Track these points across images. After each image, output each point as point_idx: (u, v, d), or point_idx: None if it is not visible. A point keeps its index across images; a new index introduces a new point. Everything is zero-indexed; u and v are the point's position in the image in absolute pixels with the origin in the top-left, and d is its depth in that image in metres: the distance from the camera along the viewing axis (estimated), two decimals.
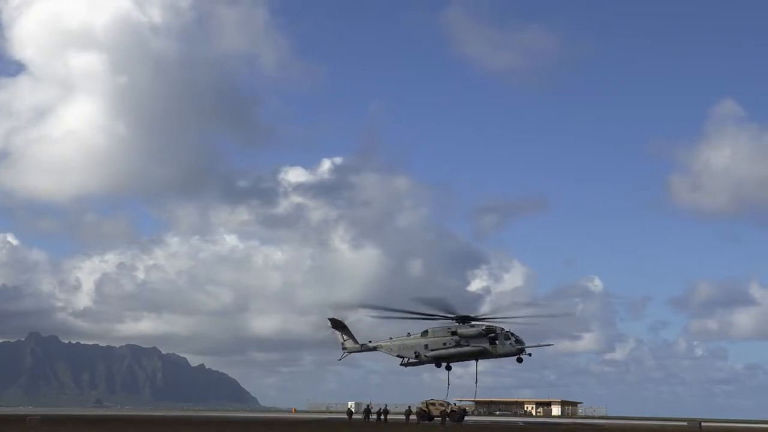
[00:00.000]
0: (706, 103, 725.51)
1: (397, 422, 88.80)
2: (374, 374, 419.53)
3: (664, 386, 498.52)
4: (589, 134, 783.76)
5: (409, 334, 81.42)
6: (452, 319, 78.05)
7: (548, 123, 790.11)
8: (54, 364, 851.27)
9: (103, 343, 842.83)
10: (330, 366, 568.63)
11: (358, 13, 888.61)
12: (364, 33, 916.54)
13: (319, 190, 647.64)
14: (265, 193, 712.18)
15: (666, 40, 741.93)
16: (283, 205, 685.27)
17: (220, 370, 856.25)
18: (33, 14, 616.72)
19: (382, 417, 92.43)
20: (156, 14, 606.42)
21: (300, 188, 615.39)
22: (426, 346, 79.59)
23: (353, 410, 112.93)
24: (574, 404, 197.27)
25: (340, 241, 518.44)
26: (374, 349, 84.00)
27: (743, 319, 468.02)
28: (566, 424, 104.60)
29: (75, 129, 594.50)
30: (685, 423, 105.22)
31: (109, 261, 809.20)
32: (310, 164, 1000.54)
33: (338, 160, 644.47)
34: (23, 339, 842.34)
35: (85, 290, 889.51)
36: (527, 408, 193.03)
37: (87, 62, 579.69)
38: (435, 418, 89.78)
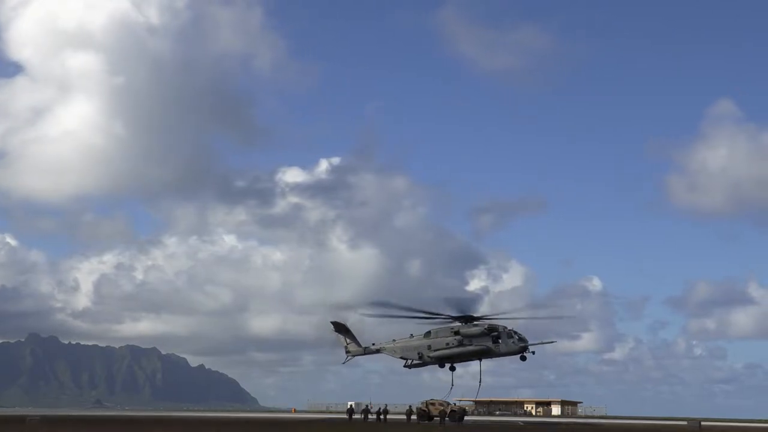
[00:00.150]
0: (703, 103, 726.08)
1: (397, 422, 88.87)
2: (374, 374, 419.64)
3: (664, 386, 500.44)
4: (588, 134, 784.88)
5: (411, 336, 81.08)
6: (454, 318, 77.97)
7: (547, 123, 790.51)
8: (54, 365, 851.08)
9: (102, 344, 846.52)
10: (330, 366, 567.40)
11: (353, 13, 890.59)
12: (360, 33, 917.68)
13: (316, 190, 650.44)
14: (263, 193, 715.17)
15: (664, 40, 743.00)
16: (281, 206, 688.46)
17: (220, 371, 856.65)
18: (30, 15, 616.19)
19: (382, 417, 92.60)
20: (153, 15, 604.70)
21: (297, 188, 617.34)
22: (429, 347, 79.16)
23: (354, 409, 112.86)
24: (574, 404, 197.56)
25: (338, 242, 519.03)
26: (377, 351, 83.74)
27: (742, 318, 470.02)
28: (566, 424, 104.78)
29: (72, 129, 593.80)
30: (685, 422, 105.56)
31: (108, 262, 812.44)
32: (307, 164, 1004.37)
33: (336, 160, 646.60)
34: (23, 339, 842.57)
35: (84, 291, 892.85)
36: (527, 408, 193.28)
37: (84, 62, 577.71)
38: (435, 418, 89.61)
